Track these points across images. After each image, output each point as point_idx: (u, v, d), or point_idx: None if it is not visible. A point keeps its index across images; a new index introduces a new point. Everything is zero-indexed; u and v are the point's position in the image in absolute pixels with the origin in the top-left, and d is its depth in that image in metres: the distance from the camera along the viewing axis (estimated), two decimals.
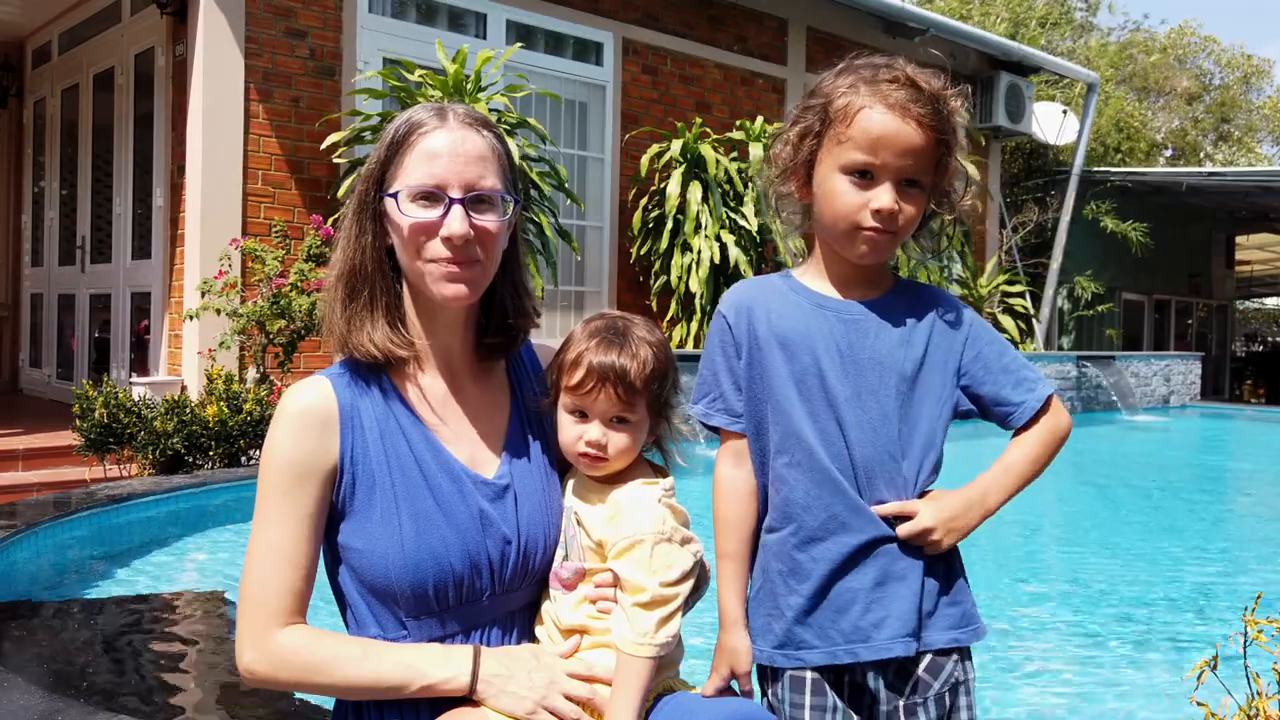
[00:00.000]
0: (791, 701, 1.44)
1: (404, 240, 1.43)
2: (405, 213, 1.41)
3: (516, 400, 1.58)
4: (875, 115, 1.40)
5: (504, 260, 1.50)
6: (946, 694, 1.44)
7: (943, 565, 1.45)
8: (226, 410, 5.14)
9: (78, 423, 5.26)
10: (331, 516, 1.42)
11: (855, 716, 1.44)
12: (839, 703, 1.43)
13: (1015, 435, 1.51)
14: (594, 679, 1.38)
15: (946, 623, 1.44)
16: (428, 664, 1.36)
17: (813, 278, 1.52)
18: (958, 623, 1.45)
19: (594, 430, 1.43)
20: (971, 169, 1.57)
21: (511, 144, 1.84)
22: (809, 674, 1.43)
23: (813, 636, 1.43)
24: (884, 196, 1.40)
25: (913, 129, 1.40)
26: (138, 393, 5.68)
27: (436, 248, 1.41)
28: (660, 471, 1.50)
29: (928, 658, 1.43)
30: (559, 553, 1.48)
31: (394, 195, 1.42)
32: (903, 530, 1.42)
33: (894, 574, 1.42)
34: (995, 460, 1.50)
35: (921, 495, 1.46)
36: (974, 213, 1.56)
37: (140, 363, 7.47)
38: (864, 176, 1.42)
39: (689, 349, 7.99)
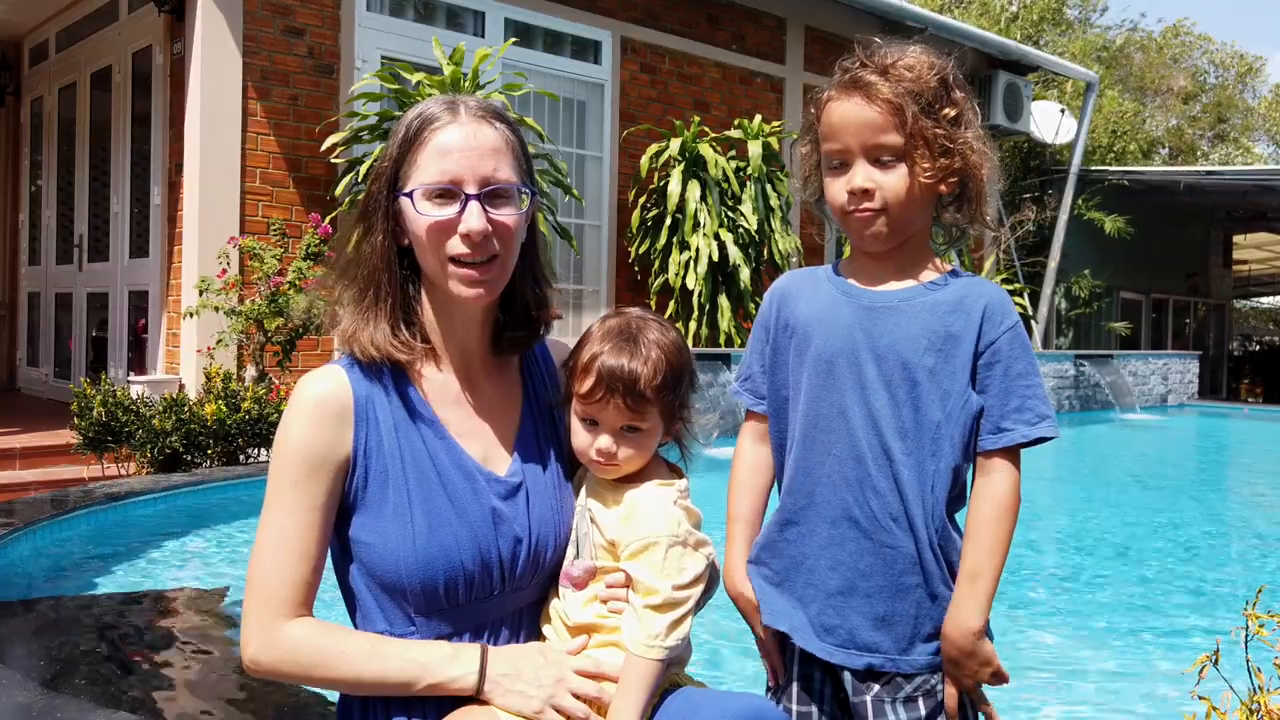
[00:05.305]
0: (788, 667, 1.51)
1: (421, 239, 1.41)
2: (421, 211, 1.39)
3: (529, 397, 1.56)
4: (833, 103, 1.43)
5: (522, 251, 1.49)
6: (920, 699, 1.41)
7: (924, 591, 1.41)
8: (225, 409, 5.13)
9: (76, 421, 5.25)
10: (342, 509, 1.41)
11: (828, 693, 1.47)
12: (826, 678, 1.47)
13: (971, 503, 1.41)
14: (602, 676, 1.37)
15: (912, 648, 1.41)
16: (435, 663, 1.35)
17: (849, 267, 1.52)
18: (925, 652, 1.41)
19: (604, 440, 1.42)
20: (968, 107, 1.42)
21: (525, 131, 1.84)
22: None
23: (787, 606, 1.47)
24: (855, 176, 1.40)
25: (859, 103, 1.39)
26: (136, 391, 5.67)
27: (455, 245, 1.39)
28: (676, 471, 1.49)
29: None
30: (570, 550, 1.47)
31: (409, 194, 1.40)
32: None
33: (860, 589, 1.41)
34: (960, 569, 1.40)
35: (934, 490, 1.41)
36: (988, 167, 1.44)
37: (138, 361, 7.46)
38: (841, 165, 1.43)
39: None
